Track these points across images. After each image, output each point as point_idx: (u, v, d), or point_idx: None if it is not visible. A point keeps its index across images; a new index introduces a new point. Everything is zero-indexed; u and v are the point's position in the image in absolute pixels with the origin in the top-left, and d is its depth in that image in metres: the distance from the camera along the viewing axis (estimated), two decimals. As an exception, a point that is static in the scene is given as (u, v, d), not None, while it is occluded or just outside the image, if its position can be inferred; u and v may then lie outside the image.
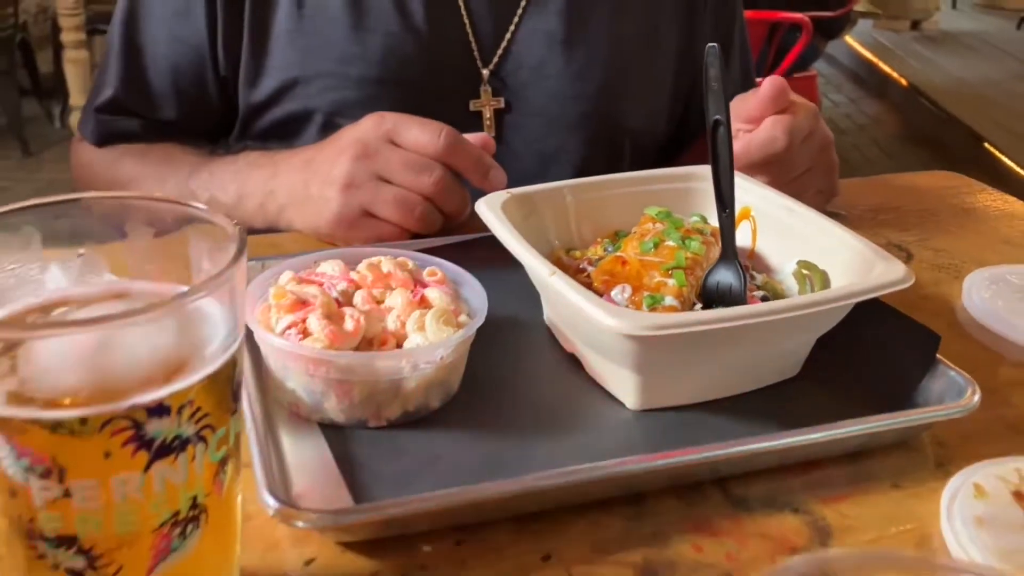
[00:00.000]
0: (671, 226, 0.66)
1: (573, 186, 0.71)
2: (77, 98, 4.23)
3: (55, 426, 0.32)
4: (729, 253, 0.62)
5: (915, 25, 6.81)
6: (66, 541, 0.34)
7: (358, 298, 0.60)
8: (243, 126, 0.94)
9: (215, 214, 0.38)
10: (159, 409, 0.33)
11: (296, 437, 0.55)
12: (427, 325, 0.57)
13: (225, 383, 0.36)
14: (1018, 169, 4.23)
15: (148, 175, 0.90)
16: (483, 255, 0.66)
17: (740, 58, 1.11)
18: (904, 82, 5.56)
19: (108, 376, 0.33)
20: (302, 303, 0.57)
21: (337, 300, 0.59)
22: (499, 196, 0.67)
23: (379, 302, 0.60)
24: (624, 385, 0.58)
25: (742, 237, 0.71)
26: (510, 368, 0.63)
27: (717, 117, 0.59)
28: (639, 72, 1.00)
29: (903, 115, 5.34)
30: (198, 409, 0.34)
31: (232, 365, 0.36)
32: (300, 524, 0.46)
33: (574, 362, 0.63)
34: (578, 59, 0.96)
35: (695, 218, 0.69)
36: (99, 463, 0.33)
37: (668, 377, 0.57)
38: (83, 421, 0.32)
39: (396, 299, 0.60)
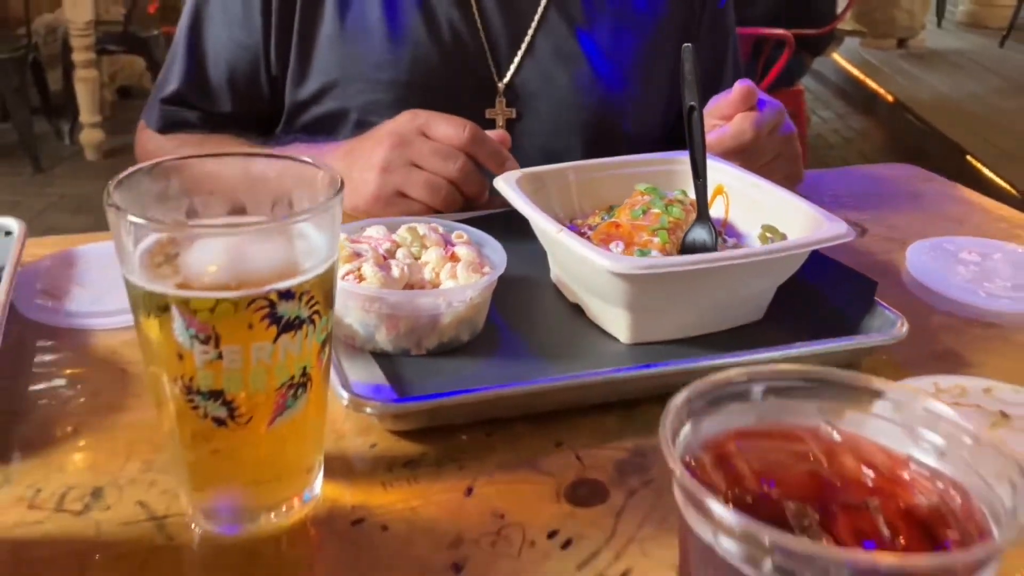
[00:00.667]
0: (657, 197, 0.79)
1: (575, 167, 0.84)
2: (87, 115, 4.38)
3: (215, 304, 0.45)
4: (703, 214, 0.76)
5: (901, 43, 6.98)
6: (215, 395, 0.47)
7: (400, 254, 0.73)
8: (288, 121, 1.08)
9: (319, 164, 0.51)
10: (288, 294, 0.46)
11: (353, 362, 0.68)
12: (458, 273, 0.71)
13: (329, 283, 0.49)
14: (1000, 181, 4.38)
15: None
16: (498, 228, 0.79)
17: (732, 72, 1.24)
18: (890, 98, 5.72)
19: (246, 271, 0.46)
20: (357, 255, 0.71)
21: (383, 256, 0.73)
22: (513, 174, 0.81)
23: (417, 258, 0.74)
24: (618, 322, 0.71)
25: (716, 210, 0.84)
26: (524, 314, 0.76)
27: (692, 103, 0.73)
28: (636, 86, 1.13)
29: (889, 130, 5.50)
30: (312, 298, 0.47)
31: (333, 271, 0.49)
32: (368, 411, 0.59)
33: (577, 310, 0.76)
34: (582, 74, 1.10)
35: (677, 192, 0.83)
36: (244, 333, 0.46)
37: (654, 314, 0.70)
38: (235, 300, 0.45)
39: (431, 255, 0.73)
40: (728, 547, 0.32)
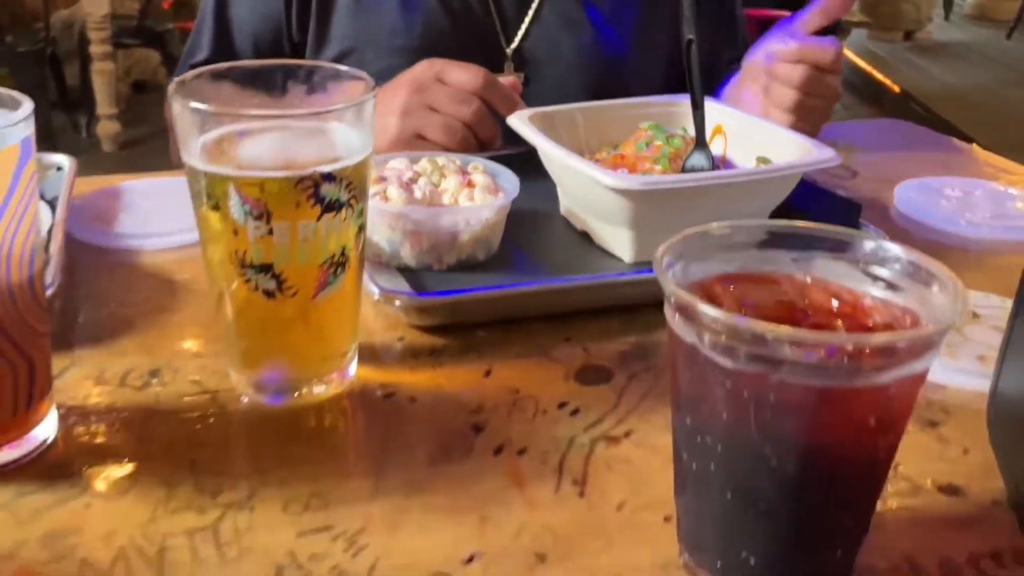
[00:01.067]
0: (659, 132, 0.85)
1: (582, 107, 0.91)
2: (104, 107, 4.46)
3: (267, 182, 0.51)
4: (701, 142, 0.82)
5: (908, 36, 7.02)
6: (265, 268, 0.53)
7: (421, 182, 0.80)
8: None
9: (354, 72, 0.57)
10: (329, 176, 0.52)
11: (380, 275, 0.74)
12: (475, 196, 0.77)
13: (364, 172, 0.55)
14: (1005, 168, 4.41)
15: None
16: (509, 168, 0.85)
17: (741, 31, 1.29)
18: (897, 89, 5.76)
19: (293, 159, 0.53)
20: (382, 179, 0.77)
21: (406, 183, 0.79)
22: (525, 112, 0.87)
23: (436, 185, 0.80)
24: (622, 242, 0.77)
25: (715, 148, 0.90)
26: (535, 240, 0.82)
27: (690, 37, 0.80)
28: (639, 52, 1.19)
29: (896, 120, 5.53)
30: (351, 183, 0.54)
31: (367, 163, 0.55)
32: (396, 304, 0.65)
33: (585, 236, 0.82)
34: (587, 40, 1.16)
35: (679, 129, 0.89)
36: (292, 211, 0.52)
37: (655, 233, 0.75)
38: (285, 179, 0.51)
39: (450, 182, 0.79)
40: (709, 343, 0.38)
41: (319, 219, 0.53)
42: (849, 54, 6.43)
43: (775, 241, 0.46)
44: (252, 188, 0.51)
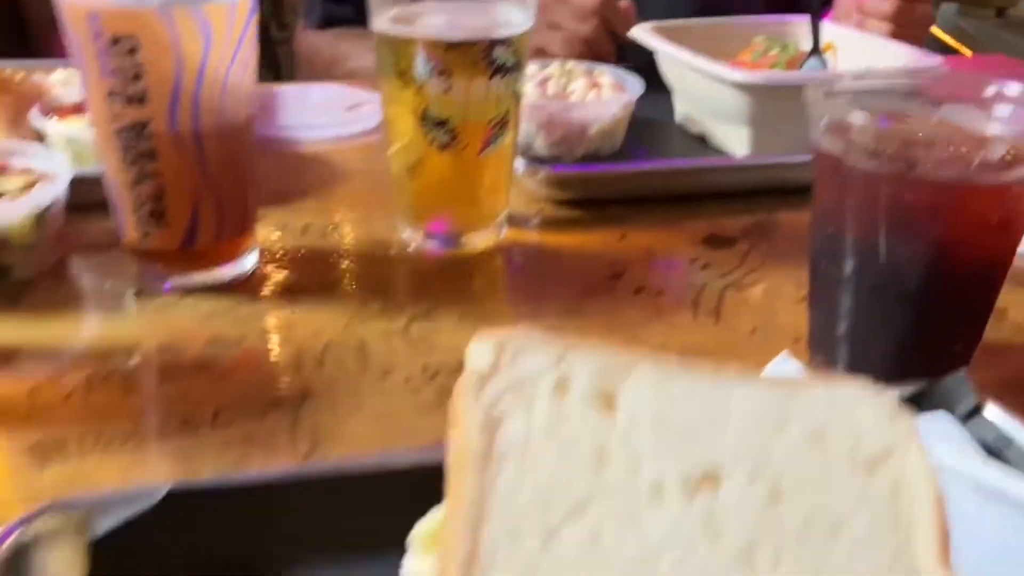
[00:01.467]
0: (774, 43, 0.91)
1: (699, 22, 0.97)
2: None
3: (450, 44, 0.59)
4: (816, 48, 0.87)
5: (1001, 12, 6.81)
6: (442, 123, 0.61)
7: (552, 83, 0.87)
8: None
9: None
10: (502, 41, 0.60)
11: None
12: (603, 95, 0.84)
13: (526, 43, 0.62)
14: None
15: (361, 51, 1.19)
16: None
17: None
18: (986, 65, 5.61)
19: (470, 27, 0.60)
20: (519, 77, 0.84)
21: (540, 82, 0.86)
22: (646, 25, 0.94)
23: (564, 88, 0.87)
24: (739, 139, 0.83)
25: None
26: (655, 138, 0.89)
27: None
28: None
29: (984, 96, 5.40)
30: (516, 50, 0.61)
31: (529, 35, 0.63)
32: (540, 175, 0.73)
33: (702, 140, 0.89)
34: None
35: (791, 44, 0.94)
36: (467, 69, 0.60)
37: (771, 131, 0.82)
38: (465, 42, 0.59)
39: (578, 84, 0.86)
40: (854, 152, 0.45)
41: (490, 79, 0.60)
42: (938, 32, 6.27)
43: (908, 91, 0.52)
44: (437, 49, 0.59)
